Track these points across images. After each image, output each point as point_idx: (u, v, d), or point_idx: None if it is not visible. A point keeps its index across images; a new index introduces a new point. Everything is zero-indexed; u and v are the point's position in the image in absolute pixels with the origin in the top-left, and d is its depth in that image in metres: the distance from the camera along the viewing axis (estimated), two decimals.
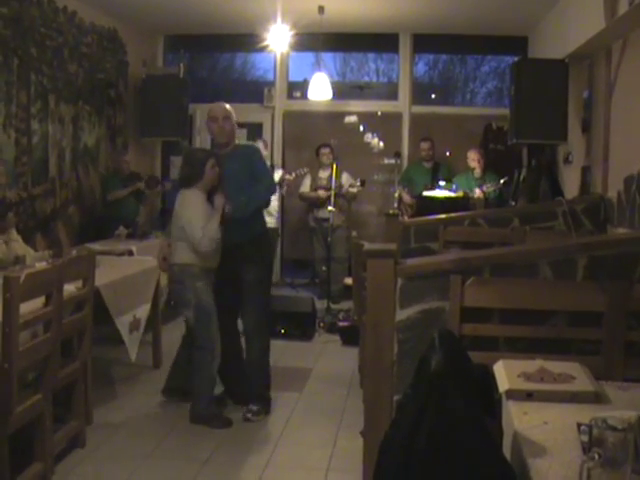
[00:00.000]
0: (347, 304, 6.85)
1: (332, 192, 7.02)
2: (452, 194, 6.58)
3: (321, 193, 7.48)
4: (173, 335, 5.90)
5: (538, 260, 2.84)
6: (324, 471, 3.52)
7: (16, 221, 4.75)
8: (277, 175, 7.34)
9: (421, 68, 9.07)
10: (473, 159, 7.17)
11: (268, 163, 7.42)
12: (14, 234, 4.41)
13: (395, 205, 7.41)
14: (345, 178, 7.63)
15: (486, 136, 8.10)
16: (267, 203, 4.52)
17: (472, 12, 6.93)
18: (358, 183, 7.39)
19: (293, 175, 7.40)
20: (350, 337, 5.79)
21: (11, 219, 4.52)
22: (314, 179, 7.70)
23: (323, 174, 7.58)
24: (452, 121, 8.47)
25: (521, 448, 1.70)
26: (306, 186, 7.74)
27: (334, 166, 7.18)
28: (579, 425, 1.74)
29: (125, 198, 6.80)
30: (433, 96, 9.13)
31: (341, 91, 8.32)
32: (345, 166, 7.72)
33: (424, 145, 7.74)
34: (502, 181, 6.83)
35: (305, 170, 7.63)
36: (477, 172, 7.13)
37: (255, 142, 7.50)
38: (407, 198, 7.44)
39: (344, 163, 7.71)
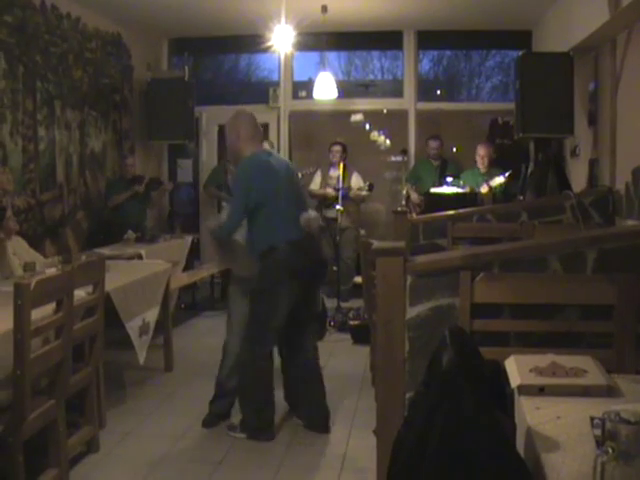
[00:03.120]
0: (357, 302, 6.85)
1: (339, 193, 7.01)
2: (460, 190, 6.56)
3: (329, 191, 7.47)
4: (184, 338, 5.95)
5: (547, 254, 2.83)
6: (338, 470, 3.52)
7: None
8: None
9: (426, 65, 9.06)
10: (479, 154, 7.13)
11: None
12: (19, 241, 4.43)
13: (403, 202, 7.39)
14: (354, 179, 7.61)
15: (492, 131, 8.07)
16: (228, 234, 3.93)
17: (475, 7, 6.92)
18: (366, 188, 7.35)
19: (300, 175, 7.38)
20: (361, 336, 5.79)
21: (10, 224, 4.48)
22: (324, 177, 7.71)
23: (333, 173, 7.56)
24: (458, 117, 8.45)
25: (534, 443, 1.69)
26: (316, 183, 7.75)
27: (341, 165, 7.17)
28: (592, 419, 1.73)
29: (130, 203, 6.80)
30: (438, 92, 9.12)
31: (346, 90, 8.32)
32: (352, 164, 7.70)
33: (433, 144, 7.70)
34: (507, 174, 6.78)
35: (312, 169, 7.63)
36: (481, 168, 7.10)
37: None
38: (415, 196, 7.42)
39: (351, 161, 7.69)
